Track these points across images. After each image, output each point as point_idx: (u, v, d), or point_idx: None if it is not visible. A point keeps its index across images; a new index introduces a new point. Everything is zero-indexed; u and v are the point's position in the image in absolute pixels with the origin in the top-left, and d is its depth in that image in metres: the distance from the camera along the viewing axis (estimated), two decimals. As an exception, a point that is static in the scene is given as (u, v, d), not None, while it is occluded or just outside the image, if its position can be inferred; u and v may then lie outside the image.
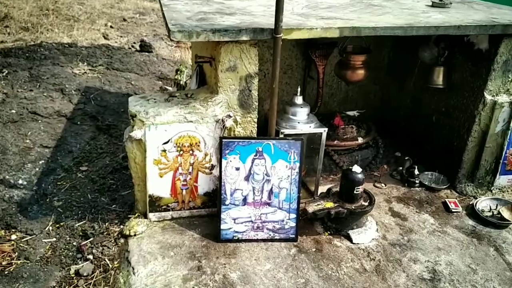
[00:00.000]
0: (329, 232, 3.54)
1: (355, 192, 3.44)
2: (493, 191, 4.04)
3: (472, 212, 3.94)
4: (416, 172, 4.30)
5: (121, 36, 7.70)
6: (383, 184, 4.36)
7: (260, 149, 3.19)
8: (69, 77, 5.63)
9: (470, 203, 4.08)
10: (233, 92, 3.17)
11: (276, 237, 3.38)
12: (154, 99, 3.25)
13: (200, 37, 2.68)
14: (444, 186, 4.26)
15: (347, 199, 3.50)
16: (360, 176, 3.42)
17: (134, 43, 7.37)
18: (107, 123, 5.04)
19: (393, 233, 3.62)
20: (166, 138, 3.14)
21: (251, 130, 3.39)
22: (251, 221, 3.33)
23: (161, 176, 3.23)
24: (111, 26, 8.17)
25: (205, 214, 3.58)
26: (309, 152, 4.00)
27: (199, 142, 3.24)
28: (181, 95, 3.31)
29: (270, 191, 3.30)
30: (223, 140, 3.12)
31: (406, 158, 4.45)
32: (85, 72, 5.87)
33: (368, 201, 3.57)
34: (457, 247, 3.50)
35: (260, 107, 3.53)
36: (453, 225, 3.78)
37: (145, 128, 3.05)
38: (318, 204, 3.46)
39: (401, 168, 4.54)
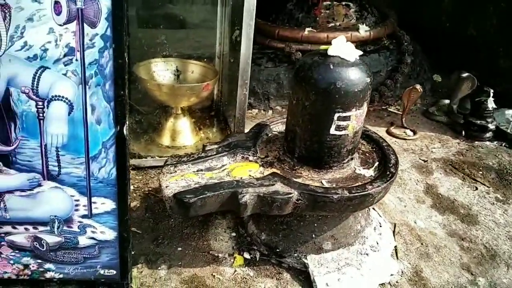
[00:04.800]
0: (250, 256, 1.12)
1: (332, 132, 0.98)
2: None
3: None
4: (491, 104, 1.83)
5: None
6: (408, 131, 1.91)
7: None
8: None
9: None
10: None
11: (46, 278, 0.94)
12: None
13: None
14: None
15: (305, 156, 1.05)
16: (355, 72, 0.95)
17: None
18: None
19: (443, 266, 1.20)
20: None
21: None
22: None
23: None
24: None
25: None
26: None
27: None
28: None
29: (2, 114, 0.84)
30: None
31: (464, 75, 1.96)
32: None
33: (376, 163, 1.12)
34: None
35: None
36: None
37: None
38: (203, 170, 1.02)
39: (446, 101, 2.09)
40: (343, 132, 1.01)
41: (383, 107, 2.10)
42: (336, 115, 0.98)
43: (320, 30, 2.02)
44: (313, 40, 1.99)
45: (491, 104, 1.83)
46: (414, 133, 1.90)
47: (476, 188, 1.57)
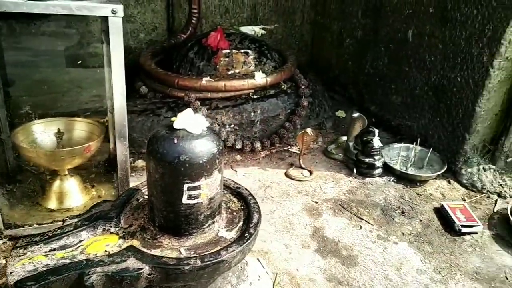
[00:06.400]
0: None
1: (185, 202, 1.01)
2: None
3: (510, 232, 1.68)
4: (377, 143, 1.96)
5: None
6: (305, 172, 2.00)
7: None
8: None
9: (494, 209, 1.82)
10: None
11: None
12: None
13: None
14: (434, 173, 1.97)
15: (164, 225, 1.07)
16: (201, 144, 0.99)
17: None
18: None
19: (319, 312, 1.26)
20: None
21: None
22: None
23: None
24: None
25: None
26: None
27: None
28: None
29: None
30: None
31: (355, 115, 2.10)
32: None
33: (240, 223, 1.16)
34: None
35: None
36: (471, 270, 1.48)
37: None
38: (55, 249, 1.00)
39: (344, 138, 2.22)
40: (196, 201, 1.04)
41: (284, 148, 2.18)
42: (186, 185, 1.01)
43: (218, 78, 2.08)
44: (211, 89, 2.04)
45: (377, 143, 1.96)
46: (311, 173, 1.99)
47: (361, 227, 1.66)
